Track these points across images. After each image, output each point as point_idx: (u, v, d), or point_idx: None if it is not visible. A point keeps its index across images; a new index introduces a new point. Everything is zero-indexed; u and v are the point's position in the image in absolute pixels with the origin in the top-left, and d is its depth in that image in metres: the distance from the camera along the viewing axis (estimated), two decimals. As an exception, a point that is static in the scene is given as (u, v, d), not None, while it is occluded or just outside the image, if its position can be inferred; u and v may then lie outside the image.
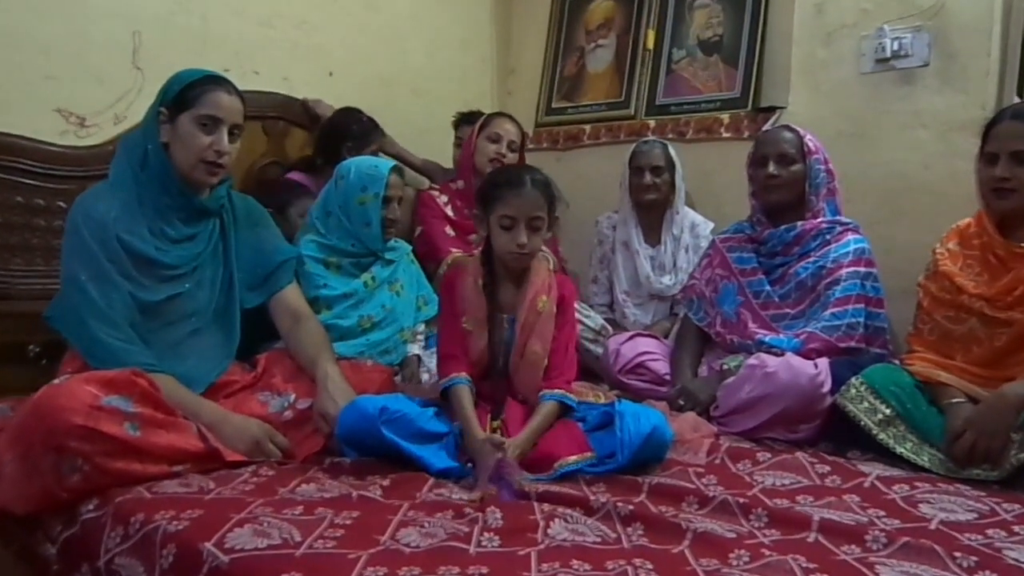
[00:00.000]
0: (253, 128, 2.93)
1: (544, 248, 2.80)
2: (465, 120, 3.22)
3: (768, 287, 2.33)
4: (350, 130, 2.92)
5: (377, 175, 2.37)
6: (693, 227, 3.00)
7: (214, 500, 1.50)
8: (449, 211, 2.92)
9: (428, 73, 3.61)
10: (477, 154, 2.91)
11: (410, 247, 2.61)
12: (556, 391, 1.85)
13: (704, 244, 2.86)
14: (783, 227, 2.33)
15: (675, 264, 2.96)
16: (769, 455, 1.88)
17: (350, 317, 2.32)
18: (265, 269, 2.08)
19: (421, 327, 2.49)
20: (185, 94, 1.90)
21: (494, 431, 1.77)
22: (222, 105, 1.91)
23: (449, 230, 2.87)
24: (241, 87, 2.00)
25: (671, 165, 2.97)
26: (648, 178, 2.93)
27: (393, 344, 2.39)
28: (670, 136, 3.22)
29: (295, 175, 2.92)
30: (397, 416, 1.72)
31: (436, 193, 2.97)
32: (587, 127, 3.61)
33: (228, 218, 2.05)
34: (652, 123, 3.38)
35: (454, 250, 2.73)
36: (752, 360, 2.10)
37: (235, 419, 1.79)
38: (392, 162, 2.45)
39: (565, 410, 1.85)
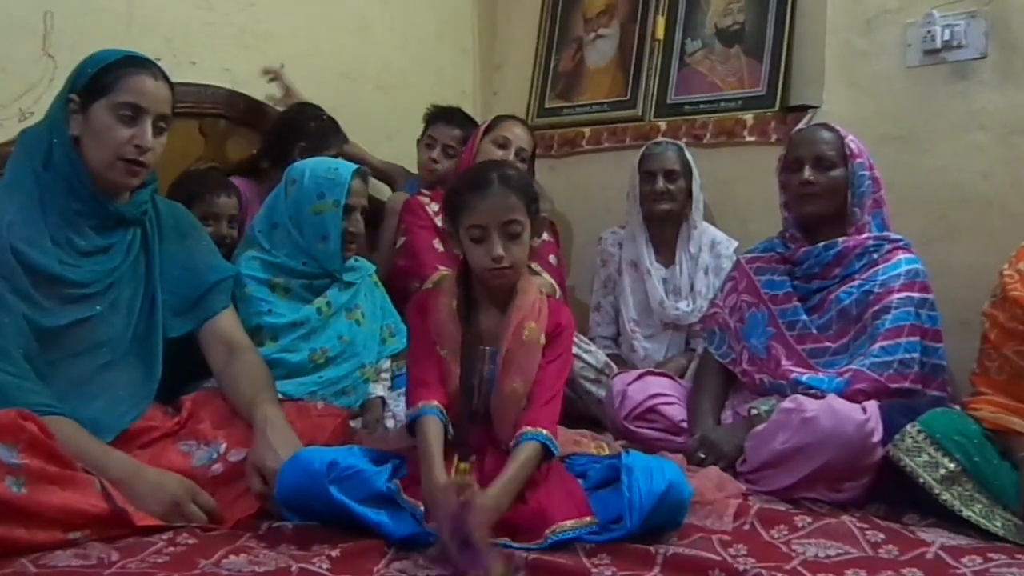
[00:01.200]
0: (188, 127, 2.89)
1: (543, 272, 2.74)
2: (441, 117, 3.19)
3: (804, 316, 2.30)
4: (306, 128, 2.88)
5: (337, 180, 2.34)
6: (713, 245, 3.00)
7: (116, 576, 1.42)
8: (439, 222, 2.86)
9: (398, 67, 3.59)
10: (480, 159, 2.86)
11: (374, 268, 2.59)
12: (540, 431, 1.76)
13: (727, 266, 2.85)
14: (821, 244, 2.31)
15: (692, 287, 2.96)
16: (809, 519, 1.82)
17: (300, 350, 2.29)
18: (195, 290, 2.04)
19: (386, 363, 2.45)
20: (100, 78, 1.86)
21: (462, 474, 1.70)
22: (145, 91, 1.88)
23: (437, 244, 2.83)
24: (175, 79, 1.99)
25: (687, 170, 2.98)
26: (661, 184, 2.94)
27: (352, 383, 2.36)
28: (684, 140, 3.21)
29: (236, 180, 2.85)
30: (349, 473, 1.67)
31: (426, 200, 2.94)
32: (586, 130, 3.60)
33: (151, 228, 2.01)
34: (663, 125, 3.37)
35: (441, 268, 2.69)
36: (787, 404, 2.06)
37: (150, 474, 1.72)
38: (354, 165, 2.42)
39: (547, 456, 1.77)
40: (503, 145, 2.91)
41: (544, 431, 1.76)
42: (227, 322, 2.06)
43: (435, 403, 1.77)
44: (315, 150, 2.79)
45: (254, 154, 2.99)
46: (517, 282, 1.86)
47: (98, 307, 1.88)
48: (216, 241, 2.27)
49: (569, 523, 1.66)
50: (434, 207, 2.89)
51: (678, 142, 3.07)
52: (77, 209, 1.87)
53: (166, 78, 1.94)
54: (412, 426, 1.77)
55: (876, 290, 2.23)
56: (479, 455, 1.81)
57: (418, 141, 3.20)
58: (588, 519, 1.67)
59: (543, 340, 1.85)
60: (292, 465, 1.68)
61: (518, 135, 2.95)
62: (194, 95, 2.87)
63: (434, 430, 1.74)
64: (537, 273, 2.83)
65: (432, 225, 2.86)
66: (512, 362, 1.81)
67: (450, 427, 1.77)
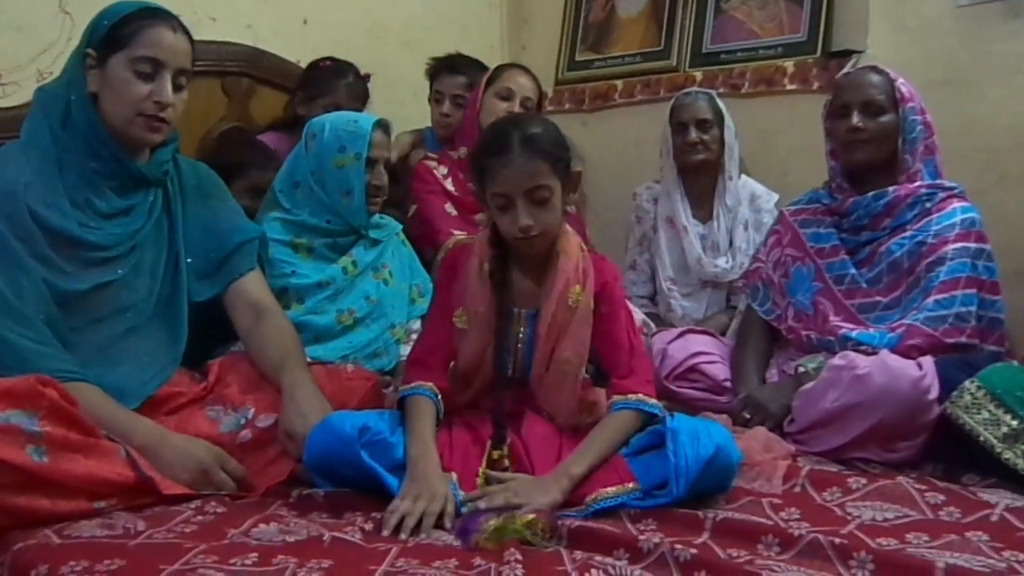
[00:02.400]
0: (210, 86, 2.89)
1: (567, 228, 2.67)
2: (444, 67, 3.11)
3: (853, 270, 2.26)
4: (303, 79, 2.90)
5: (358, 132, 2.31)
6: (753, 199, 2.97)
7: (142, 546, 1.41)
8: (449, 185, 2.85)
9: (424, 23, 3.54)
10: (484, 114, 2.82)
11: (401, 226, 2.58)
12: (628, 397, 1.73)
13: (767, 221, 2.85)
14: (871, 194, 2.26)
15: (732, 243, 2.93)
16: (863, 481, 1.78)
17: (327, 312, 2.27)
18: (220, 252, 2.02)
19: (416, 323, 2.41)
20: (117, 31, 1.83)
21: (494, 463, 1.69)
22: (164, 44, 1.84)
23: (449, 208, 2.79)
24: (195, 37, 1.96)
25: (720, 118, 2.94)
26: (694, 134, 2.90)
27: (383, 345, 2.34)
28: (721, 91, 3.18)
29: (268, 136, 2.85)
30: (378, 439, 1.65)
31: (433, 164, 2.89)
32: (619, 83, 3.58)
33: (173, 188, 1.99)
34: (699, 75, 3.34)
35: (456, 232, 2.65)
36: (837, 360, 2.01)
37: (176, 441, 1.71)
38: (374, 116, 2.39)
39: (647, 420, 1.73)
40: (507, 97, 2.83)
41: (636, 395, 1.73)
42: (253, 284, 2.04)
43: (430, 385, 1.76)
44: (308, 99, 2.80)
45: (287, 106, 2.98)
46: (556, 241, 1.81)
47: (120, 271, 1.86)
48: (253, 214, 2.27)
49: (611, 490, 1.62)
50: (442, 170, 2.85)
51: (709, 90, 3.03)
52: (96, 169, 1.85)
53: (185, 31, 1.91)
54: (402, 403, 1.76)
55: (929, 240, 2.18)
56: (516, 420, 1.78)
57: (429, 99, 3.16)
58: (631, 485, 1.63)
59: (592, 303, 1.80)
60: (322, 429, 1.65)
61: (522, 84, 2.86)
62: (215, 53, 2.85)
63: (424, 412, 1.72)
64: None
65: (442, 190, 2.82)
66: (559, 329, 1.78)
67: (441, 413, 1.76)
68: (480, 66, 3.10)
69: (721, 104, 2.96)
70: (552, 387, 1.80)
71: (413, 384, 1.77)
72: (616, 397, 1.74)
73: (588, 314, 1.79)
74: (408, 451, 1.66)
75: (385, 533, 1.48)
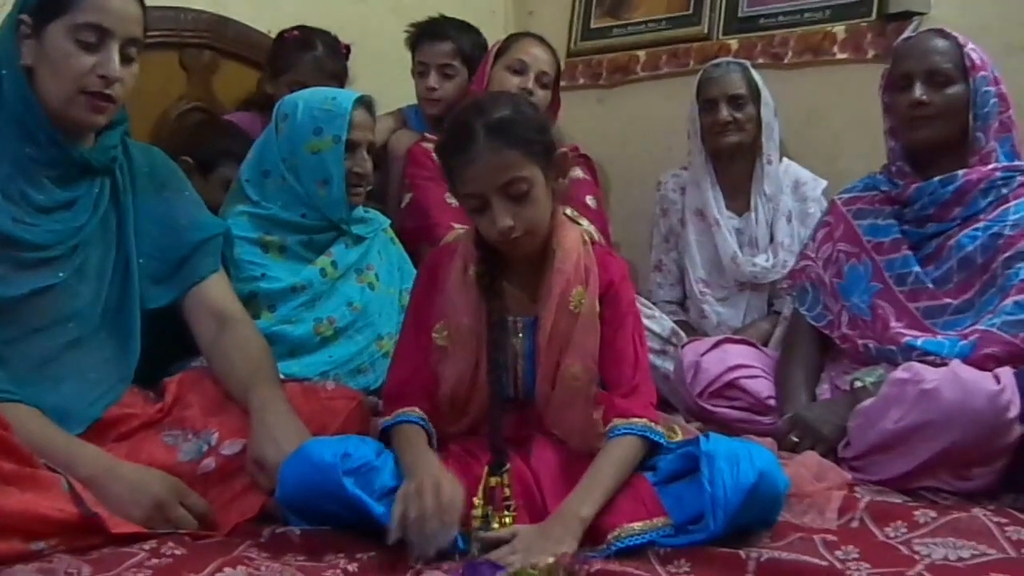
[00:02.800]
0: (166, 60, 2.91)
1: (580, 219, 2.69)
2: (426, 33, 3.11)
3: (917, 267, 2.26)
4: (270, 53, 2.91)
5: (336, 111, 2.31)
6: (797, 186, 3.00)
7: (87, 596, 1.40)
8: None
9: None
10: (494, 90, 2.84)
11: (388, 221, 2.59)
12: (633, 421, 1.72)
13: (814, 211, 2.91)
14: (937, 179, 2.26)
15: (773, 238, 2.95)
16: (933, 514, 1.76)
17: (303, 321, 2.29)
18: (178, 252, 2.03)
19: None
20: None
21: (491, 491, 1.68)
22: (111, 9, 1.84)
23: (450, 198, 2.77)
24: (149, 2, 1.96)
25: (755, 93, 2.96)
26: (725, 112, 2.92)
27: (368, 359, 2.35)
28: (760, 61, 3.23)
29: (238, 117, 2.89)
30: (364, 466, 1.65)
31: (431, 146, 2.87)
32: (641, 54, 3.60)
33: (123, 177, 1.99)
34: (734, 44, 3.37)
35: (457, 226, 2.64)
36: (900, 373, 2.01)
37: (128, 471, 1.70)
38: (356, 93, 2.40)
39: (651, 450, 1.74)
40: (519, 70, 2.87)
41: (640, 420, 1.73)
42: (216, 289, 2.04)
43: (415, 410, 1.78)
44: (274, 74, 2.82)
45: (259, 82, 3.00)
46: (552, 236, 1.81)
47: (61, 274, 1.86)
48: None
49: (637, 525, 1.61)
50: None
51: (742, 61, 3.06)
52: (32, 156, 1.85)
53: None
54: (386, 434, 1.77)
55: (1007, 232, 2.18)
56: (523, 445, 1.79)
57: (412, 72, 3.17)
58: (660, 520, 1.63)
59: (598, 306, 1.80)
60: (297, 459, 1.65)
61: (537, 56, 2.90)
62: (172, 21, 2.85)
63: (415, 436, 1.74)
64: (574, 220, 2.79)
65: (440, 176, 2.79)
66: (562, 339, 1.78)
67: (434, 440, 1.78)
68: (468, 29, 3.11)
69: (757, 76, 2.97)
70: (561, 407, 1.79)
71: (396, 413, 1.78)
72: (618, 421, 1.73)
73: (595, 319, 1.79)
74: (402, 462, 1.68)
75: (391, 539, 1.53)
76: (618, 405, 1.75)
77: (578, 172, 3.00)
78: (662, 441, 1.73)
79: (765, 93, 2.95)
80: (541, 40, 2.98)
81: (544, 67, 2.89)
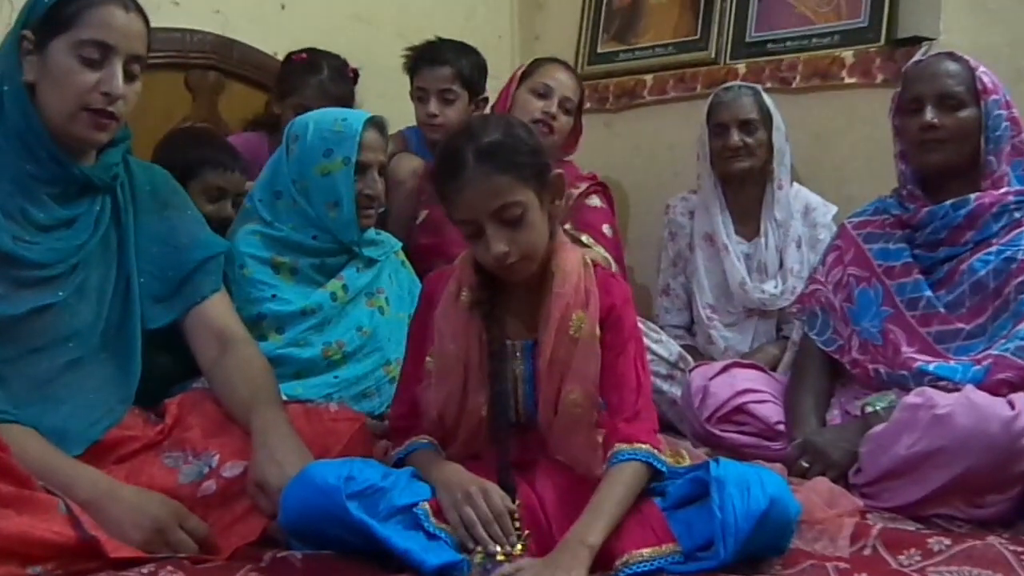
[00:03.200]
0: (172, 81, 2.96)
1: (595, 246, 2.68)
2: (424, 58, 3.09)
3: (929, 292, 2.26)
4: (278, 75, 2.93)
5: (346, 132, 2.32)
6: (807, 212, 3.02)
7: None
8: None
9: (421, 6, 3.61)
10: (517, 112, 2.87)
11: (400, 244, 2.60)
12: (638, 446, 1.70)
13: (824, 237, 2.89)
14: (949, 202, 2.25)
15: (782, 264, 2.96)
16: (947, 542, 1.74)
17: (311, 344, 2.30)
18: (179, 271, 2.03)
19: None
20: (59, 11, 1.82)
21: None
22: (114, 25, 1.83)
23: None
24: (154, 24, 1.97)
25: (767, 118, 2.97)
26: (736, 137, 2.93)
27: (375, 384, 2.36)
28: (768, 85, 3.22)
29: (246, 137, 2.92)
30: (370, 488, 1.64)
31: None
32: (648, 78, 3.62)
33: (124, 195, 1.99)
34: (741, 68, 3.38)
35: None
36: (912, 398, 2.00)
37: (127, 494, 1.69)
38: (366, 113, 2.40)
39: (653, 477, 1.72)
40: (544, 94, 2.91)
41: (644, 446, 1.71)
42: (218, 309, 2.04)
43: (426, 438, 1.81)
44: (281, 96, 2.83)
45: (268, 103, 3.02)
46: (552, 258, 1.79)
47: (61, 293, 1.86)
48: (217, 224, 2.29)
49: (646, 551, 1.59)
50: None
51: (754, 85, 3.08)
52: (33, 173, 1.84)
53: (140, 9, 1.89)
54: (401, 462, 1.79)
55: (1020, 257, 2.18)
56: (528, 470, 1.78)
57: (411, 95, 3.16)
58: (669, 546, 1.61)
59: (598, 331, 1.78)
60: (299, 483, 1.64)
61: (562, 81, 2.93)
62: (178, 42, 2.90)
63: (435, 456, 1.78)
64: (587, 246, 2.83)
65: None
66: (562, 365, 1.76)
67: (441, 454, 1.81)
68: (467, 50, 3.10)
69: (769, 101, 2.98)
70: (564, 432, 1.77)
71: (407, 443, 1.80)
72: (621, 446, 1.70)
73: (595, 344, 1.77)
74: (433, 479, 1.70)
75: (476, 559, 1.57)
76: (621, 430, 1.72)
77: (596, 201, 3.02)
78: (664, 469, 1.72)
79: (777, 118, 2.96)
80: (567, 66, 3.03)
81: (568, 93, 2.92)
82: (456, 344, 1.77)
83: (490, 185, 1.66)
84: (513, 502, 1.68)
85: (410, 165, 3.01)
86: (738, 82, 3.12)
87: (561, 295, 1.75)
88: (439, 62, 3.05)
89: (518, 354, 1.79)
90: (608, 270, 1.92)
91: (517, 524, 1.65)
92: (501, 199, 1.66)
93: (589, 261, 1.84)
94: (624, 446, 1.69)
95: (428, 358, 1.80)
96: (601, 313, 1.78)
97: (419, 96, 3.10)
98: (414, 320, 1.91)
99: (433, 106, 3.03)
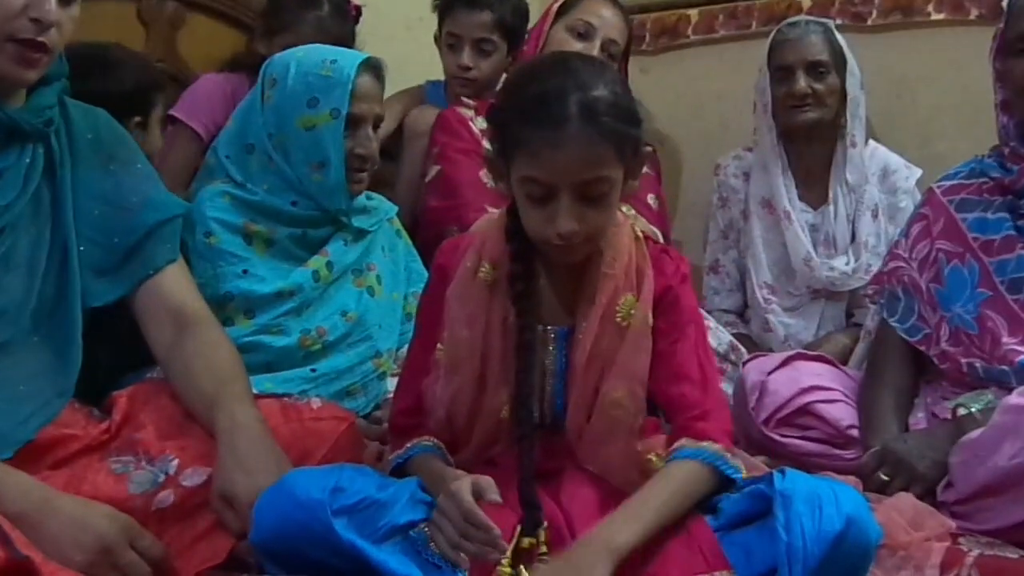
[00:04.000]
0: (121, 12, 2.97)
1: (639, 218, 2.68)
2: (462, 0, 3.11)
3: None
4: (265, 6, 2.94)
5: (337, 77, 2.30)
6: (886, 175, 3.03)
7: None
8: (488, 144, 2.82)
9: None
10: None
11: (396, 208, 2.60)
12: (705, 445, 1.70)
13: (906, 205, 2.92)
14: None
15: (854, 237, 2.99)
16: None
17: (287, 332, 2.30)
18: (128, 237, 2.04)
19: None
20: None
21: (523, 553, 1.65)
22: None
23: (485, 176, 2.77)
24: None
25: (840, 60, 2.98)
26: (803, 83, 2.94)
27: (361, 379, 2.37)
28: (838, 23, 3.24)
29: (223, 78, 2.95)
30: (363, 502, 1.63)
31: (469, 113, 2.92)
32: (693, 13, 3.66)
33: (60, 145, 2.00)
34: (806, 1, 3.42)
35: (491, 210, 2.62)
36: (1015, 399, 1.99)
37: (67, 506, 1.68)
38: (361, 55, 2.39)
39: (720, 486, 1.72)
40: (584, 34, 2.86)
41: (714, 446, 1.70)
42: (175, 283, 2.05)
43: (430, 440, 1.81)
44: (270, 32, 2.84)
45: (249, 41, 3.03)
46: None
47: None
48: None
49: None
50: (481, 124, 2.86)
51: (824, 20, 3.09)
52: None
53: None
54: (400, 469, 1.81)
55: None
56: (551, 481, 1.78)
57: (436, 39, 3.18)
58: (722, 574, 1.61)
59: (651, 318, 1.78)
60: (275, 496, 1.63)
61: (606, 19, 2.89)
62: None
63: (437, 466, 1.77)
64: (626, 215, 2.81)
65: (478, 149, 2.83)
66: (605, 358, 1.76)
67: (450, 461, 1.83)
68: None
69: (842, 41, 2.99)
70: (598, 440, 1.77)
71: (408, 446, 1.80)
72: (686, 442, 1.70)
73: (647, 335, 1.77)
74: (432, 489, 1.70)
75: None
76: (688, 426, 1.72)
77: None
78: (736, 477, 1.70)
79: (851, 61, 2.97)
80: (614, 1, 2.97)
81: (614, 33, 2.87)
82: (472, 330, 1.77)
83: (591, 152, 1.64)
84: (540, 524, 1.67)
85: (432, 118, 3.01)
86: (806, 16, 3.10)
87: (610, 276, 1.76)
88: (479, 5, 3.05)
89: (550, 343, 1.80)
90: (660, 243, 1.93)
91: (544, 550, 1.65)
92: (595, 171, 1.65)
93: (640, 233, 1.84)
94: (689, 443, 1.69)
95: (439, 346, 1.80)
96: (656, 293, 1.78)
97: (450, 43, 3.10)
98: (424, 298, 1.92)
99: (467, 56, 3.04)
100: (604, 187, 1.67)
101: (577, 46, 2.82)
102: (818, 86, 2.93)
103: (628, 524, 1.59)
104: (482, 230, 1.86)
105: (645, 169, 2.92)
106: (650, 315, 1.77)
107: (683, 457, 1.67)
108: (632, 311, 1.76)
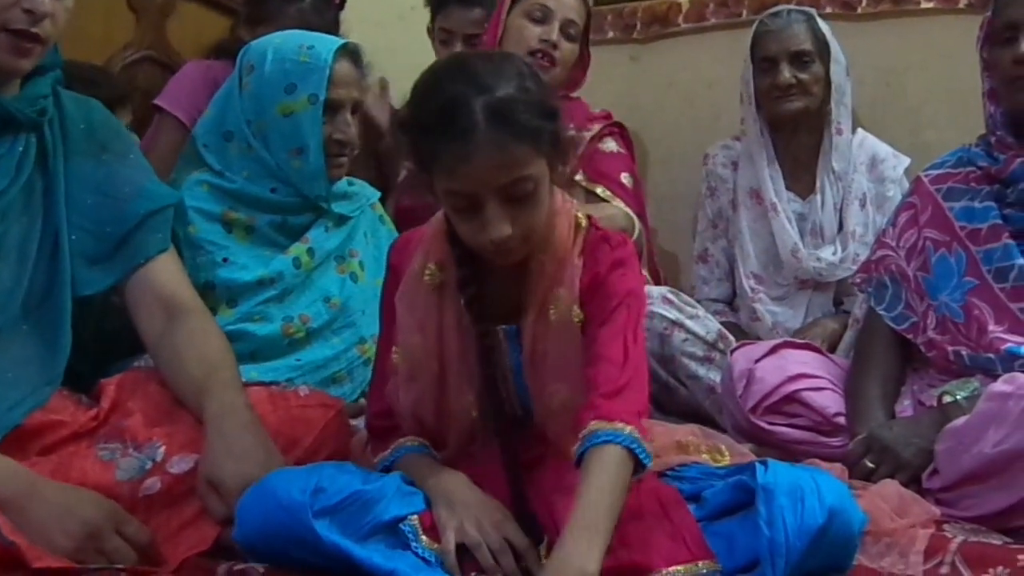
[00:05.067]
0: (112, 1, 2.97)
1: (614, 199, 2.66)
2: None
3: (1021, 259, 2.23)
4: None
5: (314, 63, 2.31)
6: (874, 164, 3.04)
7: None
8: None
9: None
10: (508, 43, 2.88)
11: (378, 194, 2.63)
12: (619, 426, 1.63)
13: (894, 194, 2.91)
14: None
15: (842, 226, 2.99)
16: None
17: (271, 319, 2.31)
18: (119, 227, 2.04)
19: None
20: None
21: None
22: None
23: None
24: None
25: (823, 50, 2.97)
26: (787, 73, 2.93)
27: (346, 366, 2.39)
28: (827, 11, 3.24)
29: (205, 63, 2.94)
30: (344, 499, 1.63)
31: None
32: (684, 1, 3.62)
33: (53, 135, 2.01)
34: None
35: None
36: (1000, 386, 1.98)
37: (53, 492, 1.69)
38: (338, 40, 2.40)
39: (635, 468, 1.67)
40: (541, 18, 2.87)
41: (626, 427, 1.63)
42: (165, 272, 2.05)
43: (415, 440, 1.80)
44: (253, 21, 2.82)
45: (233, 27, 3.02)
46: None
47: None
48: None
49: (679, 569, 1.58)
50: None
51: (807, 9, 3.09)
52: None
53: None
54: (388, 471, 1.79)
55: None
56: (532, 468, 1.79)
57: (429, 31, 3.18)
58: (706, 564, 1.59)
59: (578, 310, 1.75)
60: (257, 496, 1.63)
61: (563, 1, 2.90)
62: None
63: (428, 463, 1.78)
64: (604, 200, 2.87)
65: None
66: (543, 357, 1.76)
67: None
68: None
69: (826, 28, 2.99)
70: (564, 429, 1.75)
71: (394, 447, 1.79)
72: (596, 424, 1.63)
73: (574, 329, 1.75)
74: (422, 485, 1.70)
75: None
76: (599, 406, 1.65)
77: (611, 145, 3.02)
78: (648, 462, 1.65)
79: (835, 49, 2.96)
80: None
81: (571, 14, 2.88)
82: (424, 335, 1.76)
83: (507, 156, 1.59)
84: (540, 540, 1.68)
85: None
86: (789, 6, 3.10)
87: (544, 273, 1.74)
88: (472, 1, 3.06)
89: (502, 342, 1.79)
90: (603, 231, 1.87)
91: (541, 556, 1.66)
92: (515, 173, 1.61)
93: (583, 220, 1.80)
94: (602, 424, 1.62)
95: (395, 349, 1.79)
96: (582, 286, 1.75)
97: (442, 39, 3.11)
98: (383, 297, 1.89)
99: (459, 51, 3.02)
100: (528, 186, 1.63)
101: (536, 31, 2.84)
102: (803, 75, 2.93)
103: (592, 543, 1.54)
104: (430, 227, 1.83)
105: (616, 147, 3.00)
106: (576, 307, 1.75)
107: (602, 441, 1.61)
108: (562, 306, 1.75)
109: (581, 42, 2.96)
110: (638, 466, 1.63)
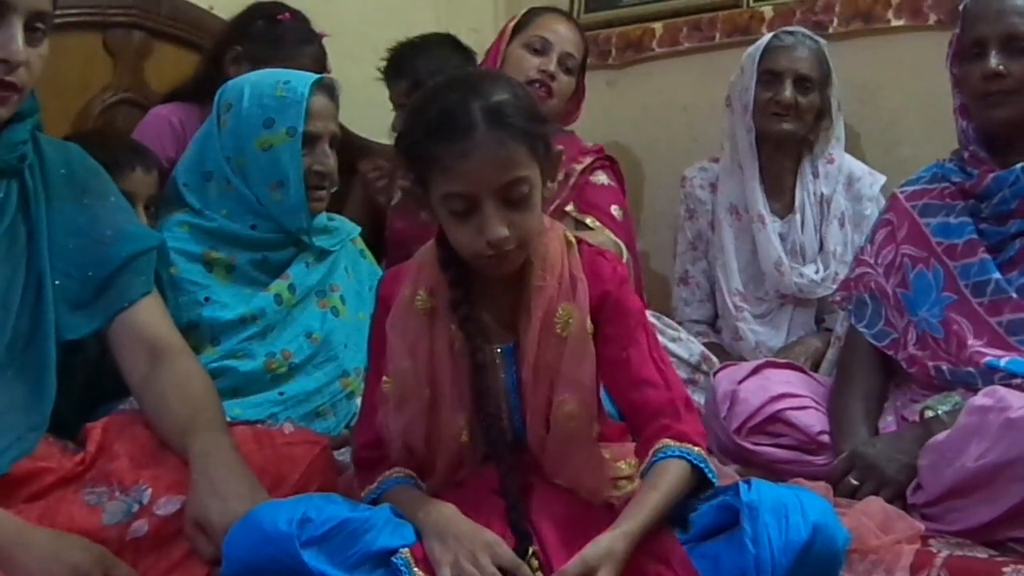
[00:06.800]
0: (88, 44, 2.92)
1: (605, 229, 2.68)
2: (391, 68, 3.08)
3: (998, 273, 2.25)
4: (247, 31, 2.86)
5: (291, 97, 2.32)
6: (851, 183, 3.06)
7: None
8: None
9: None
10: (508, 72, 2.85)
11: (358, 229, 2.62)
12: (690, 447, 1.70)
13: (871, 212, 2.94)
14: (1020, 166, 2.25)
15: (822, 246, 3.00)
16: None
17: (253, 356, 2.30)
18: (102, 270, 2.02)
19: None
20: None
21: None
22: None
23: None
24: None
25: (825, 80, 3.01)
26: (789, 93, 2.95)
27: (329, 400, 2.38)
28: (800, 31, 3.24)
29: (170, 108, 2.89)
30: (333, 530, 1.61)
31: None
32: (658, 26, 3.64)
33: (34, 180, 1.99)
34: (768, 11, 3.43)
35: None
36: (981, 400, 2.01)
37: (41, 539, 1.67)
38: (313, 75, 2.41)
39: (699, 487, 1.72)
40: (540, 50, 2.91)
41: (697, 448, 1.71)
42: (149, 315, 2.03)
43: (402, 471, 1.80)
44: (254, 60, 2.75)
45: (200, 72, 2.96)
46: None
47: None
48: None
49: None
50: None
51: (817, 37, 3.09)
52: None
53: None
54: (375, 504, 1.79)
55: None
56: (522, 498, 1.77)
57: (402, 101, 3.11)
58: None
59: (590, 324, 1.76)
60: (244, 529, 1.62)
61: (562, 34, 2.93)
62: None
63: (417, 493, 1.78)
64: (592, 230, 2.86)
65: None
66: (550, 370, 1.75)
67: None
68: (445, 49, 3.06)
69: (830, 59, 3.01)
70: (559, 452, 1.77)
71: (380, 479, 1.79)
72: (669, 441, 1.69)
73: (587, 342, 1.76)
74: (411, 517, 1.69)
75: None
76: (670, 427, 1.71)
77: (602, 178, 3.03)
78: (716, 481, 1.72)
79: (836, 82, 2.99)
80: (568, 17, 3.05)
81: (570, 48, 2.92)
82: (414, 359, 1.76)
83: (503, 154, 1.63)
84: (529, 551, 1.68)
85: None
86: (801, 28, 3.11)
87: (543, 288, 1.75)
88: (401, 74, 3.03)
89: (497, 362, 1.79)
90: (595, 247, 1.90)
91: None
92: (513, 172, 1.65)
93: (572, 239, 1.82)
94: (673, 443, 1.68)
95: (385, 378, 1.79)
96: (592, 302, 1.77)
97: (400, 104, 3.07)
98: (372, 331, 1.90)
99: None
100: (524, 188, 1.67)
101: (535, 62, 2.88)
102: (801, 100, 2.94)
103: (628, 535, 1.59)
104: (419, 259, 1.85)
105: (608, 181, 3.02)
106: (588, 321, 1.76)
107: (671, 456, 1.67)
108: (570, 320, 1.75)
109: (578, 76, 2.99)
110: (705, 483, 1.70)
